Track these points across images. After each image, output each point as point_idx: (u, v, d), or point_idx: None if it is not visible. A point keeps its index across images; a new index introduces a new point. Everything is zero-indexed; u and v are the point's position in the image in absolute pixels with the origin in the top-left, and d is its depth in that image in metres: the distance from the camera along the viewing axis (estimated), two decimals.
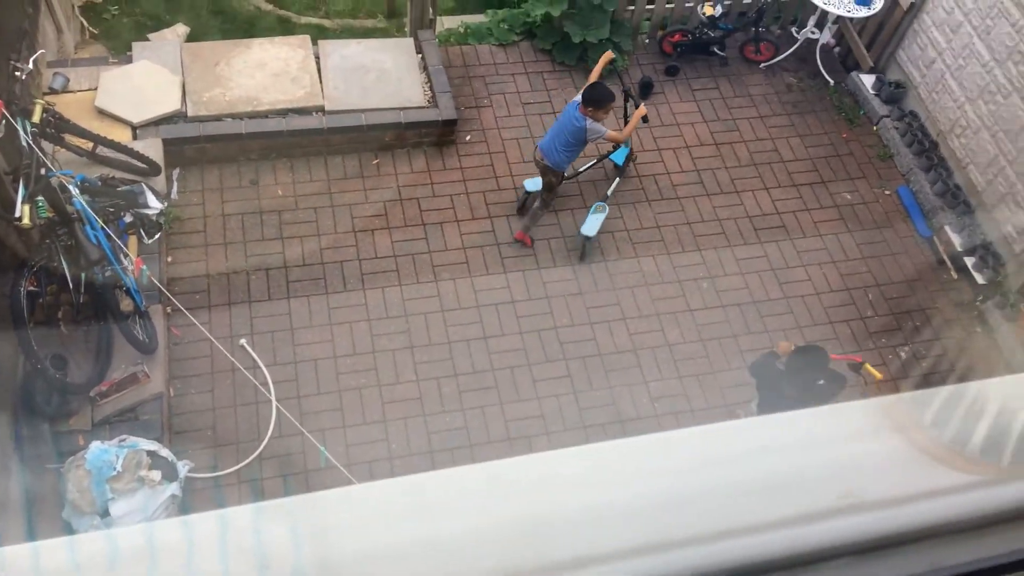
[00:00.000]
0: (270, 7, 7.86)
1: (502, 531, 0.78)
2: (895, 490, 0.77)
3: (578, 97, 5.46)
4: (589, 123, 5.42)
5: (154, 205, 5.55)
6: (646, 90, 6.97)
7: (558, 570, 0.75)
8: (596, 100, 5.38)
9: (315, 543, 0.80)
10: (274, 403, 5.12)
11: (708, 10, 7.12)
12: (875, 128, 7.09)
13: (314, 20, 7.81)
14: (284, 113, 6.20)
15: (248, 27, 7.54)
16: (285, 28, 7.55)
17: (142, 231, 5.51)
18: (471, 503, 0.81)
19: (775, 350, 4.79)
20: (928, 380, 5.72)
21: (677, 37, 7.19)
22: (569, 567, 0.75)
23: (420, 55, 6.71)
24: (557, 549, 0.76)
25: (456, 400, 5.35)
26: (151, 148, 5.74)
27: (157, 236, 5.56)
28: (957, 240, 6.32)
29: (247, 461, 4.95)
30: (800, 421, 0.87)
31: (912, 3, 6.77)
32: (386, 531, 0.80)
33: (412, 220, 6.08)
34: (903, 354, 5.92)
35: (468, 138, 6.57)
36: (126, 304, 4.94)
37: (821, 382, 4.43)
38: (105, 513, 4.23)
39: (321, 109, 6.26)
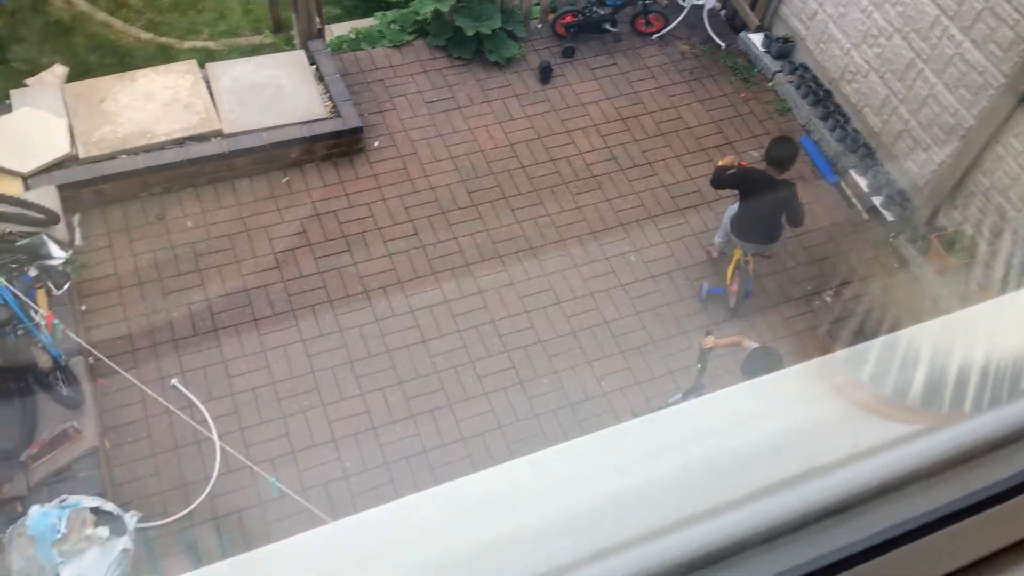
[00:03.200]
0: (149, 35, 7.58)
1: (465, 555, 0.73)
2: (846, 451, 0.75)
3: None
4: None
5: (58, 255, 5.30)
6: (546, 74, 7.01)
7: None
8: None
9: None
10: (216, 440, 4.95)
11: None
12: (770, 84, 7.30)
13: (198, 43, 7.57)
14: (181, 142, 5.99)
15: (129, 59, 7.25)
16: (168, 55, 7.29)
17: (49, 283, 5.25)
18: (428, 532, 0.75)
19: (703, 344, 4.83)
20: (856, 322, 5.92)
21: (569, 19, 7.25)
22: None
23: (314, 66, 6.58)
24: (518, 567, 0.72)
25: (404, 408, 5.28)
26: (46, 196, 5.47)
27: (66, 286, 5.30)
28: (863, 182, 6.56)
29: (197, 503, 4.78)
30: (739, 396, 0.86)
31: None
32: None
33: (332, 234, 5.96)
34: (828, 299, 6.12)
35: (376, 144, 6.48)
36: (44, 361, 4.69)
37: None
38: None
39: (220, 133, 6.07)
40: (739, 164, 5.56)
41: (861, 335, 6.18)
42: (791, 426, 0.79)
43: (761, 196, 5.37)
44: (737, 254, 5.71)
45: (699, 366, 4.89)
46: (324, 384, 5.29)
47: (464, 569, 0.72)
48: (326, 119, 6.27)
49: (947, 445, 0.77)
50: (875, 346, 0.81)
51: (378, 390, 5.32)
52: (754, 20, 7.46)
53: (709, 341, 4.80)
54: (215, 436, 4.97)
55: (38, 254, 5.18)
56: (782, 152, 5.34)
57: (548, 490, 0.77)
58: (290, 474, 4.90)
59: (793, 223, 5.55)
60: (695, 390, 5.01)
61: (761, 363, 4.52)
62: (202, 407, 5.12)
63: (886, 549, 0.75)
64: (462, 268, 5.93)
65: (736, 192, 5.56)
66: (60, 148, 5.77)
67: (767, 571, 0.73)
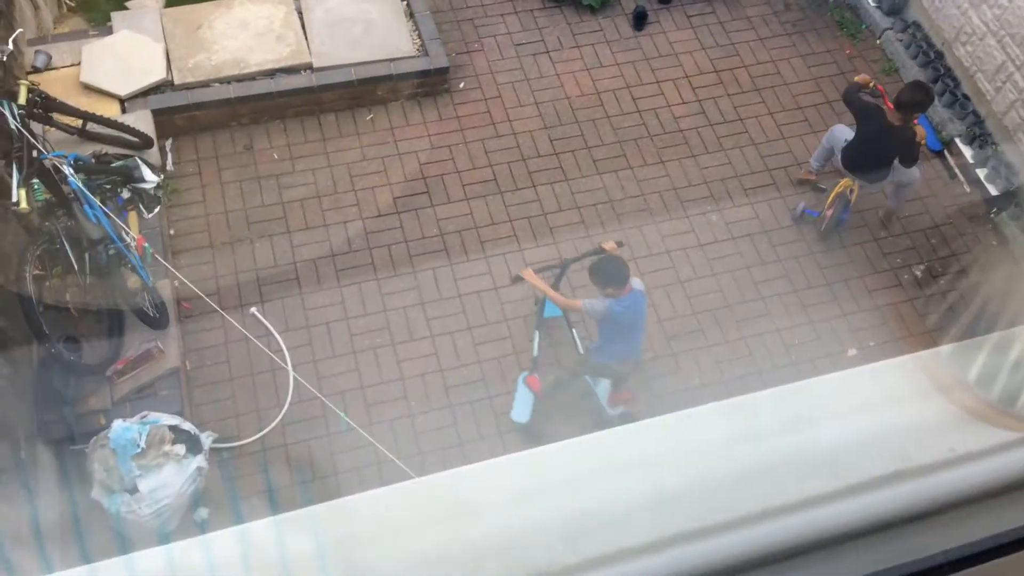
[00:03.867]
0: None
1: (536, 529, 0.74)
2: (944, 455, 0.73)
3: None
4: None
5: (150, 179, 5.48)
6: (640, 20, 6.78)
7: (596, 567, 0.72)
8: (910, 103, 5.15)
9: (339, 552, 0.77)
10: (290, 370, 5.12)
11: None
12: (878, 42, 6.89)
13: None
14: (272, 74, 6.06)
15: None
16: None
17: (141, 206, 5.45)
18: (499, 502, 0.77)
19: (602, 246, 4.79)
20: (948, 301, 5.66)
21: None
22: (613, 560, 0.71)
23: (405, 2, 6.52)
24: (594, 544, 0.73)
25: (472, 353, 5.33)
26: (141, 120, 5.64)
27: (157, 210, 5.50)
28: (968, 152, 6.19)
29: (269, 428, 4.98)
30: (835, 385, 0.83)
31: None
32: (409, 536, 0.76)
33: (412, 175, 5.98)
34: (919, 273, 5.85)
35: (462, 85, 6.42)
36: (133, 281, 4.91)
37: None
38: (134, 490, 4.27)
39: (309, 67, 6.11)
40: (875, 86, 5.41)
41: (951, 317, 5.92)
42: (888, 423, 0.77)
43: (880, 137, 5.25)
44: (845, 183, 5.57)
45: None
46: (395, 324, 5.38)
47: (548, 539, 0.73)
48: (414, 57, 6.24)
49: None
50: (984, 345, 0.77)
51: (447, 334, 5.38)
52: None
53: (610, 246, 4.75)
54: (289, 366, 5.14)
55: (131, 176, 5.36)
56: (913, 97, 5.21)
57: (632, 463, 0.77)
58: (358, 408, 5.04)
59: (906, 164, 5.38)
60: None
61: (606, 267, 4.42)
62: (279, 337, 5.28)
63: (982, 559, 0.72)
64: (538, 217, 5.88)
65: (854, 120, 5.41)
66: (157, 73, 5.92)
67: (852, 571, 0.71)
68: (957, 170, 6.25)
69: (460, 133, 6.20)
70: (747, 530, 0.71)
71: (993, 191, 6.04)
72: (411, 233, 5.74)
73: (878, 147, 5.31)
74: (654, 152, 6.23)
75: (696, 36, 6.83)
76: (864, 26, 6.98)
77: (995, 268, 5.80)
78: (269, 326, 5.31)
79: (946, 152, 6.33)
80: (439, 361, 5.29)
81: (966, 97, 6.34)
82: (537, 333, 5.11)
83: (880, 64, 6.79)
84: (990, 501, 0.72)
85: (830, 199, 5.68)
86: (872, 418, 0.77)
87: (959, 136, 6.25)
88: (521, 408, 5.01)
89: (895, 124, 5.21)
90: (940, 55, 6.55)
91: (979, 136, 6.18)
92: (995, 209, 6.00)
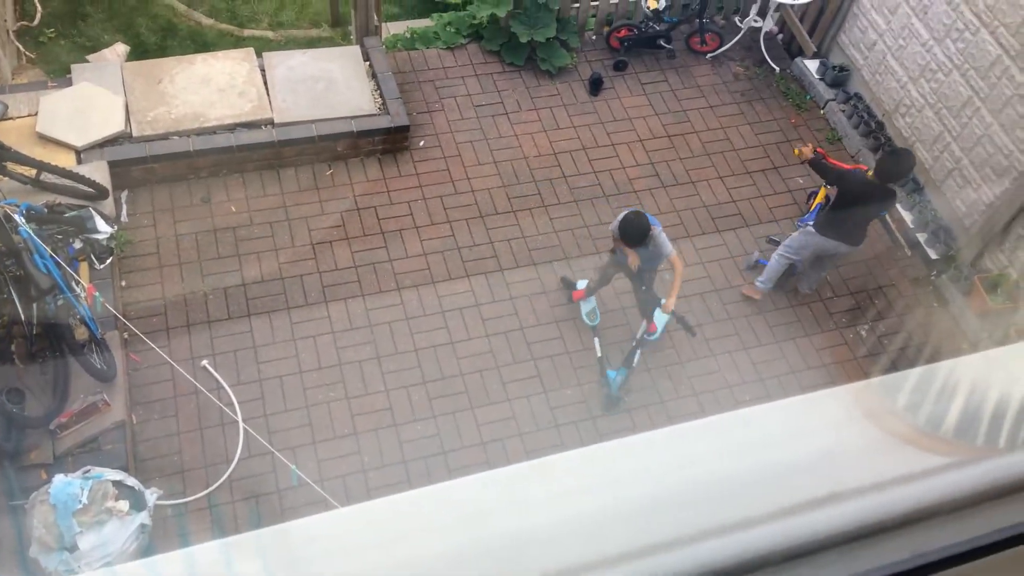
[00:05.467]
0: (211, 21, 7.73)
1: (483, 548, 0.76)
2: (874, 478, 0.76)
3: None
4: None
5: (103, 229, 5.43)
6: (596, 86, 7.00)
7: None
8: None
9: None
10: (240, 423, 5.03)
11: (652, 4, 7.18)
12: (822, 112, 7.20)
13: (257, 32, 7.71)
14: (232, 128, 6.10)
15: (190, 43, 7.41)
16: (228, 42, 7.44)
17: (92, 256, 5.38)
18: (448, 522, 0.78)
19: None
20: (891, 357, 5.82)
21: (624, 32, 7.23)
22: None
23: (368, 62, 6.65)
24: (537, 562, 0.74)
25: (426, 408, 5.31)
26: (97, 171, 5.61)
27: (108, 261, 5.43)
28: (909, 217, 6.44)
29: (216, 484, 4.86)
30: (772, 415, 0.86)
31: None
32: (360, 559, 0.77)
33: (371, 229, 6.02)
34: (863, 332, 6.02)
35: (422, 143, 6.53)
36: (81, 333, 4.82)
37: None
38: (74, 548, 4.11)
39: (270, 122, 6.17)
40: (817, 151, 5.60)
41: (894, 368, 6.07)
42: (821, 448, 0.80)
43: (865, 193, 5.36)
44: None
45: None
46: (350, 377, 5.35)
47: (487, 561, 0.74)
48: (375, 115, 6.34)
49: (979, 480, 0.76)
50: (912, 376, 0.81)
51: (403, 387, 5.36)
52: (811, 46, 7.37)
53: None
54: (240, 419, 5.05)
55: (84, 227, 5.31)
56: (897, 168, 5.34)
57: (559, 494, 0.79)
58: (310, 463, 4.96)
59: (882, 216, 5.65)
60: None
61: (631, 223, 4.85)
62: (230, 390, 5.20)
63: None
64: (496, 273, 5.94)
65: (831, 185, 5.62)
66: (115, 125, 5.92)
67: None
68: (898, 234, 6.49)
69: (419, 190, 6.28)
70: (684, 550, 0.73)
71: (933, 255, 6.28)
72: (368, 286, 5.74)
73: (864, 204, 5.43)
74: (608, 212, 6.36)
75: (649, 102, 7.06)
76: (809, 97, 7.30)
77: (932, 324, 6.00)
78: (220, 379, 5.23)
79: (888, 217, 6.58)
80: (394, 415, 5.25)
81: None
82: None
83: (824, 133, 7.09)
84: (920, 522, 0.75)
85: None
86: (807, 444, 0.80)
87: (899, 202, 6.51)
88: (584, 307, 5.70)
89: (876, 181, 5.34)
90: (881, 125, 6.87)
91: (919, 202, 6.45)
92: (935, 272, 6.23)
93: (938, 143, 6.39)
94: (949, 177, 6.31)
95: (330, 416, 5.20)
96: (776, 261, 5.78)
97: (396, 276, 5.82)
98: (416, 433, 5.21)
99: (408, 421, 5.24)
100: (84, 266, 5.32)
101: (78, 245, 5.30)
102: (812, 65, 7.32)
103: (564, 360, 5.61)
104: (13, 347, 4.56)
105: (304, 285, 5.69)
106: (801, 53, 7.46)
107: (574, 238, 6.19)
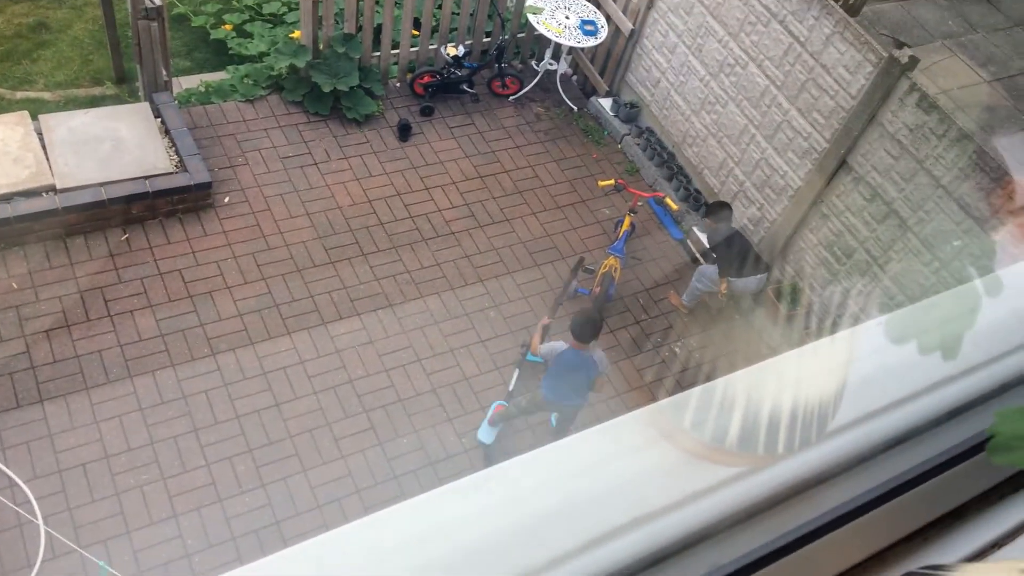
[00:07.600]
0: None
1: None
2: (671, 497, 0.77)
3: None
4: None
5: None
6: (404, 132, 7.03)
7: None
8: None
9: None
10: (40, 523, 4.49)
11: (451, 50, 7.34)
12: (619, 146, 7.62)
13: (31, 94, 7.11)
14: (8, 198, 5.55)
15: None
16: None
17: None
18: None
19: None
20: (698, 371, 6.18)
21: (427, 78, 7.33)
22: None
23: (159, 119, 6.30)
24: None
25: (254, 477, 4.99)
26: None
27: None
28: (704, 238, 6.91)
29: None
30: (571, 448, 0.85)
31: (632, 30, 7.39)
32: None
33: (177, 294, 5.64)
34: (677, 349, 6.34)
35: (227, 200, 6.24)
36: None
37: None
38: None
39: (52, 188, 5.67)
40: (618, 182, 6.46)
41: (695, 384, 6.47)
42: (623, 474, 0.79)
43: (741, 243, 6.25)
44: (609, 262, 6.30)
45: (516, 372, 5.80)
46: (165, 456, 4.93)
47: None
48: (171, 173, 5.99)
49: (764, 486, 0.78)
50: (695, 393, 0.82)
51: (225, 459, 5.01)
52: (603, 86, 7.81)
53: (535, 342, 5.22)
54: (39, 519, 4.51)
55: None
56: (721, 213, 6.19)
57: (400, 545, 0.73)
58: (124, 556, 4.50)
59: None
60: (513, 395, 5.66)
61: (581, 321, 4.95)
62: (24, 487, 4.64)
63: None
64: (318, 327, 5.74)
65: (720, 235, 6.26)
66: None
67: None
68: (697, 254, 6.94)
69: (228, 248, 5.98)
70: None
71: None
72: (178, 355, 5.36)
73: (746, 243, 6.31)
74: (429, 255, 6.36)
75: (459, 145, 7.17)
76: (606, 132, 7.71)
77: (733, 335, 6.48)
78: (12, 475, 4.66)
79: (688, 240, 7.03)
80: (217, 491, 4.89)
81: (698, 191, 7.13)
82: (517, 371, 5.80)
83: (623, 165, 7.50)
84: (718, 535, 0.77)
85: (598, 278, 6.27)
86: (608, 471, 0.80)
87: (696, 225, 6.99)
88: (486, 432, 5.47)
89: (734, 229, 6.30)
90: (672, 155, 7.36)
91: None
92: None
93: (723, 169, 6.93)
94: (736, 199, 6.85)
95: (144, 501, 4.76)
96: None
97: (210, 341, 5.48)
98: (244, 506, 4.88)
99: (234, 494, 4.90)
100: None
101: None
102: (606, 103, 7.75)
103: (397, 409, 5.49)
104: None
105: (104, 361, 5.22)
106: (595, 92, 7.88)
107: (396, 284, 6.12)
